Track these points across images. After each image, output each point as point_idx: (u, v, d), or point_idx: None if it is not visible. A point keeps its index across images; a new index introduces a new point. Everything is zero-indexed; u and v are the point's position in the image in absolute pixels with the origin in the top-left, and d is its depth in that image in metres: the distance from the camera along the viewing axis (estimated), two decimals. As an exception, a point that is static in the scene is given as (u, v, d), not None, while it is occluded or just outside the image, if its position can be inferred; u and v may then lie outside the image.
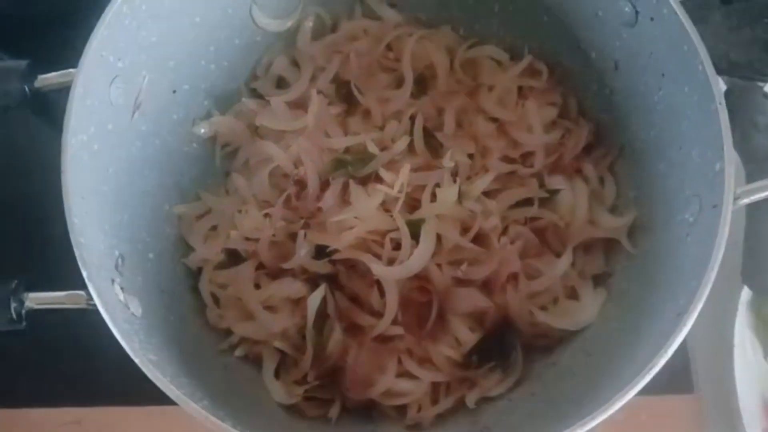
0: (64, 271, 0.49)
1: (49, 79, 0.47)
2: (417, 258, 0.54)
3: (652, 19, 0.49)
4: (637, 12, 0.50)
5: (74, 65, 0.46)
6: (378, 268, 0.54)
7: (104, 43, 0.46)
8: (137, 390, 0.62)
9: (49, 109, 0.47)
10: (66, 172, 0.43)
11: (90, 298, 0.42)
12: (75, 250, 0.41)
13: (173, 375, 0.41)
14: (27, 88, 0.46)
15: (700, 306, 0.41)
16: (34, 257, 0.60)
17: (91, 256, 0.42)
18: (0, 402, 0.64)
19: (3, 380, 0.65)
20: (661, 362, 0.40)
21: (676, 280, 0.47)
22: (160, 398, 0.62)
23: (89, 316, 0.44)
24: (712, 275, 0.41)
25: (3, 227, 0.59)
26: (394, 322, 0.55)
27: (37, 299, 0.43)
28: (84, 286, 0.43)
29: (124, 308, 0.43)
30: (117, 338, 0.40)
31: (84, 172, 0.44)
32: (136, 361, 0.39)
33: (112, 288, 0.43)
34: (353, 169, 0.58)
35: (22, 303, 0.42)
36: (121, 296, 0.44)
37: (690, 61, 0.46)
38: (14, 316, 0.41)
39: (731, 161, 0.44)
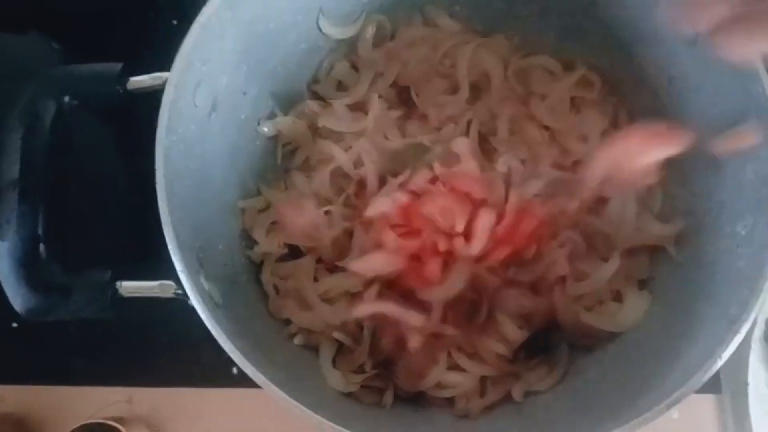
0: (144, 261, 0.53)
1: (141, 81, 0.49)
2: (454, 281, 0.56)
3: (711, 39, 0.51)
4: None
5: (159, 69, 0.50)
6: (422, 292, 0.57)
7: (194, 50, 0.49)
8: (184, 372, 0.67)
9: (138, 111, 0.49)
10: (160, 171, 0.45)
11: (178, 287, 0.45)
12: (169, 244, 0.44)
13: (254, 361, 0.44)
14: (120, 90, 0.48)
15: (753, 315, 0.43)
16: (118, 244, 0.63)
17: (181, 249, 0.44)
18: (55, 379, 0.69)
19: (58, 359, 0.70)
20: (715, 367, 0.42)
21: (723, 289, 0.50)
22: (207, 380, 0.67)
23: (139, 303, 0.48)
24: (765, 286, 0.44)
25: (96, 220, 0.62)
26: (444, 319, 0.58)
27: (129, 288, 0.46)
28: (168, 276, 0.46)
29: (208, 298, 0.46)
30: (209, 328, 0.42)
31: (173, 170, 0.47)
32: (226, 348, 0.42)
33: (199, 279, 0.46)
34: (409, 161, 0.61)
35: (116, 292, 0.45)
36: (206, 286, 0.47)
37: (749, 83, 0.48)
38: (109, 303, 0.44)
39: (786, 180, 0.46)
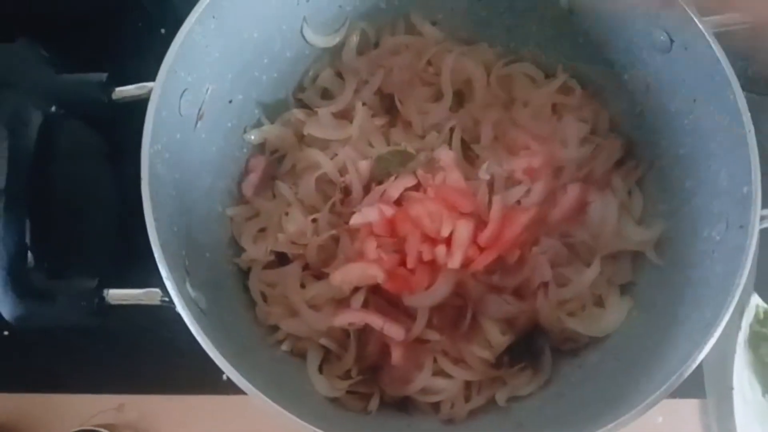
0: (130, 269, 0.54)
1: (126, 91, 0.50)
2: (440, 288, 0.57)
3: (686, 48, 0.52)
4: (672, 41, 0.54)
5: (147, 77, 0.50)
6: (407, 299, 0.57)
7: (177, 60, 0.50)
8: (174, 379, 0.67)
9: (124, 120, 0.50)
10: (144, 179, 0.46)
11: (164, 295, 0.45)
12: (154, 250, 0.44)
13: (241, 367, 0.45)
14: (106, 99, 0.49)
15: (727, 318, 0.44)
16: (104, 252, 0.63)
17: (167, 256, 0.45)
18: (45, 387, 0.69)
19: (48, 367, 0.70)
20: (692, 367, 0.43)
21: (702, 293, 0.51)
22: (196, 388, 0.67)
23: (128, 310, 0.48)
24: (738, 290, 0.45)
25: (82, 227, 0.63)
26: (429, 325, 0.58)
27: (115, 296, 0.46)
28: (153, 280, 0.47)
29: (194, 305, 0.47)
30: (194, 334, 0.43)
31: (158, 179, 0.48)
32: (211, 354, 0.43)
33: (185, 286, 0.47)
34: (393, 168, 0.62)
35: (102, 299, 0.46)
36: (192, 293, 0.47)
37: (722, 90, 0.50)
38: (96, 310, 0.45)
39: (758, 185, 0.47)
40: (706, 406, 0.68)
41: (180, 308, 0.43)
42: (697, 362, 0.43)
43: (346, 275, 0.58)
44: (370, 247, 0.59)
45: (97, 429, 0.62)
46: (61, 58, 0.77)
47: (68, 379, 0.69)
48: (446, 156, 0.61)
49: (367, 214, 0.59)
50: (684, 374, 0.43)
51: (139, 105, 0.49)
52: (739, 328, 0.66)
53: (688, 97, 0.55)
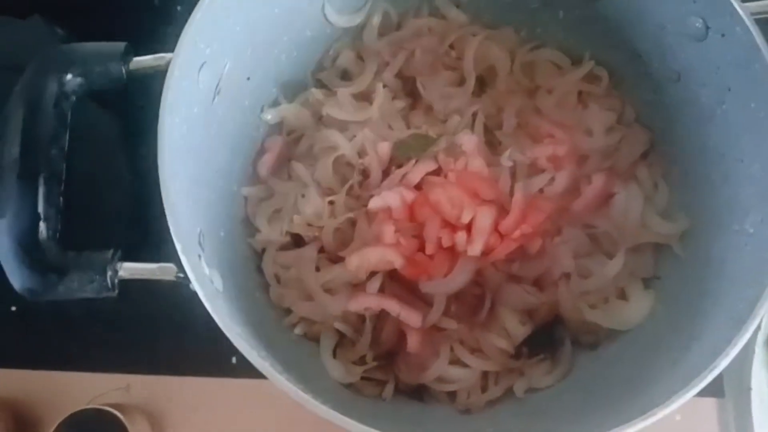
0: (146, 246, 0.53)
1: (143, 62, 0.49)
2: (458, 275, 0.56)
3: (723, 35, 0.51)
4: (708, 27, 0.52)
5: (162, 50, 0.49)
6: (425, 285, 0.56)
7: (198, 31, 0.48)
8: (183, 361, 0.67)
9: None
10: (162, 151, 0.45)
11: (180, 270, 0.44)
12: (170, 225, 0.43)
13: (256, 348, 0.43)
14: (124, 70, 0.48)
15: (761, 314, 0.43)
16: (120, 228, 0.63)
17: (183, 231, 0.44)
18: (53, 364, 0.68)
19: (57, 344, 0.69)
20: (723, 365, 0.42)
21: (730, 287, 0.49)
22: (205, 370, 0.66)
23: (139, 291, 0.47)
24: (774, 284, 0.43)
25: (94, 198, 0.62)
26: (447, 312, 0.57)
27: (130, 269, 0.45)
28: (168, 258, 0.45)
29: (209, 282, 0.46)
30: (209, 311, 0.42)
31: (176, 152, 0.46)
32: (227, 333, 0.41)
33: (200, 263, 0.45)
34: (414, 152, 0.60)
35: (116, 272, 0.45)
36: (207, 271, 0.46)
37: (760, 79, 0.48)
38: (109, 284, 0.44)
39: (795, 177, 0.46)
40: (724, 405, 0.67)
41: (195, 284, 0.42)
42: (730, 358, 0.42)
43: (362, 259, 0.57)
44: (388, 232, 0.57)
45: (103, 408, 0.61)
46: (76, 36, 0.77)
47: (75, 357, 0.68)
48: (469, 141, 0.59)
49: (386, 198, 0.57)
50: (714, 371, 0.41)
51: (157, 80, 0.48)
52: (758, 327, 0.64)
53: (721, 86, 0.53)
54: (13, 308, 0.70)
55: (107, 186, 0.65)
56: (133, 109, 0.55)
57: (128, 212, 0.64)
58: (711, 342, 0.45)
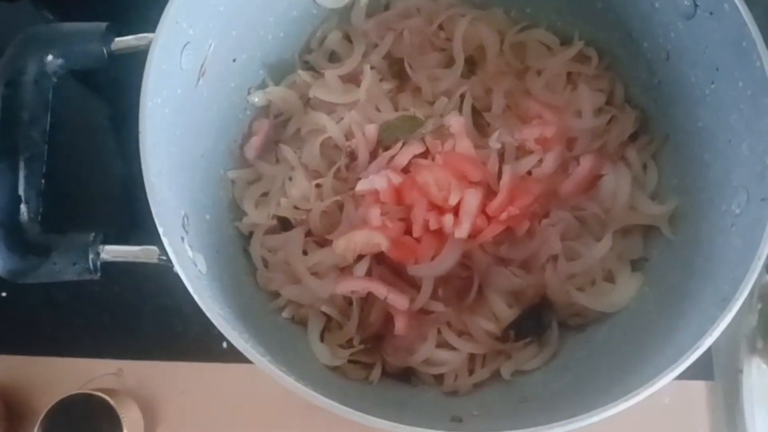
0: (132, 230, 0.52)
1: (125, 42, 0.48)
2: (446, 258, 0.56)
3: (711, 13, 0.50)
4: (696, 5, 0.51)
5: (145, 30, 0.48)
6: (412, 269, 0.56)
7: (180, 10, 0.48)
8: (174, 346, 0.66)
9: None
10: (143, 132, 0.44)
11: (162, 253, 0.44)
12: (152, 207, 0.43)
13: (240, 331, 0.43)
14: (105, 51, 0.47)
15: (746, 293, 0.43)
16: (105, 212, 0.62)
17: (165, 214, 0.44)
18: (43, 350, 0.68)
19: (47, 329, 0.69)
20: (706, 344, 0.41)
21: (718, 268, 0.49)
22: (196, 355, 0.66)
23: (129, 274, 0.46)
24: (759, 264, 0.43)
25: (79, 182, 0.61)
26: (434, 296, 0.57)
27: (112, 252, 0.45)
28: (153, 243, 0.45)
29: (192, 265, 0.45)
30: (191, 293, 0.42)
31: (157, 134, 0.46)
32: (209, 315, 0.41)
33: (183, 245, 0.45)
34: (401, 134, 0.60)
35: (98, 255, 0.44)
36: (190, 253, 0.46)
37: (748, 56, 0.47)
38: (91, 266, 0.44)
39: (782, 156, 0.45)
40: (714, 388, 0.67)
41: (177, 266, 0.42)
42: (714, 337, 0.42)
43: (349, 242, 0.57)
44: (374, 214, 0.57)
45: (94, 393, 0.61)
46: (65, 21, 0.76)
47: (66, 342, 0.68)
48: (456, 122, 0.59)
49: (374, 181, 0.57)
50: (700, 348, 0.41)
51: (140, 62, 0.47)
52: (749, 310, 0.64)
53: (710, 65, 0.53)
54: (3, 294, 0.70)
55: (92, 168, 0.64)
56: (116, 89, 0.54)
57: (115, 195, 0.63)
58: (697, 322, 0.45)
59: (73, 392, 0.61)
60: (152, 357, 0.67)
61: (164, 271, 0.45)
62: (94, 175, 0.66)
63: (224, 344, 0.67)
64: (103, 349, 0.67)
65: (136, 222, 0.59)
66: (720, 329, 0.42)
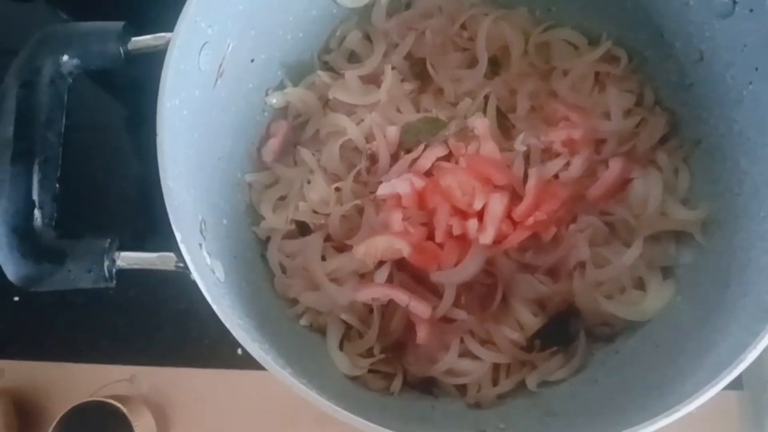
0: (148, 235, 0.51)
1: (142, 41, 0.47)
2: (469, 265, 0.54)
3: (751, 10, 0.48)
4: (735, 3, 0.49)
5: (160, 29, 0.47)
6: (434, 275, 0.54)
7: (199, 9, 0.46)
8: (188, 352, 0.65)
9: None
10: (161, 135, 0.43)
11: (179, 260, 0.42)
12: (169, 212, 0.41)
13: (258, 340, 0.42)
14: (122, 51, 0.46)
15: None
16: (120, 215, 0.61)
17: (183, 219, 0.42)
18: (56, 355, 0.67)
19: (60, 335, 0.68)
20: (750, 358, 0.39)
21: (757, 277, 0.47)
22: (210, 361, 0.65)
23: (144, 279, 0.45)
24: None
25: (93, 185, 0.60)
26: (457, 303, 0.55)
27: (128, 259, 0.44)
28: (169, 247, 0.44)
29: (210, 273, 0.44)
30: (209, 302, 0.40)
31: (175, 136, 0.45)
32: (228, 326, 0.40)
33: (201, 252, 0.44)
34: (423, 136, 0.58)
35: (113, 262, 0.43)
36: (208, 260, 0.44)
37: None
38: (106, 274, 0.42)
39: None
40: (743, 398, 0.64)
41: (195, 274, 0.40)
42: (758, 351, 0.40)
43: (370, 248, 0.55)
44: (396, 219, 0.55)
45: (107, 400, 0.60)
46: (80, 18, 0.75)
47: (79, 347, 0.67)
48: (481, 124, 0.57)
49: (396, 185, 0.55)
50: (743, 363, 0.39)
51: (157, 62, 0.46)
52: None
53: (748, 65, 0.51)
54: (16, 298, 0.69)
55: (107, 172, 0.63)
56: (133, 90, 0.53)
57: (131, 199, 0.62)
58: (737, 335, 0.43)
59: (85, 399, 0.60)
60: (166, 363, 0.66)
61: (178, 276, 0.44)
62: (108, 178, 0.65)
63: (239, 351, 0.65)
64: (117, 355, 0.67)
65: (151, 226, 0.58)
66: (764, 343, 0.39)
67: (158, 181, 0.42)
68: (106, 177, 0.65)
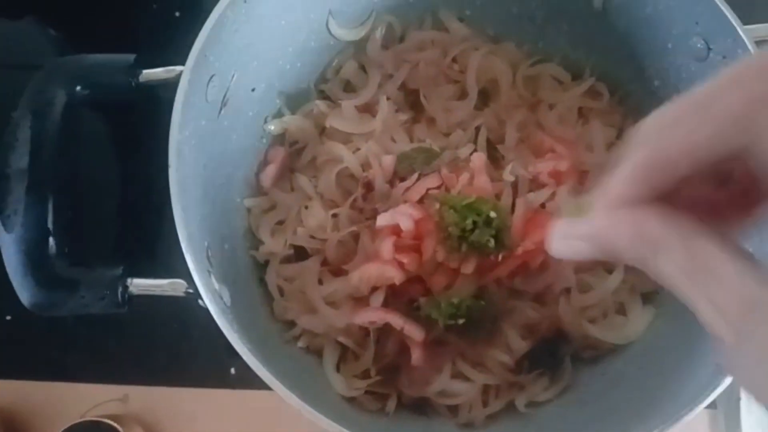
0: (152, 260, 0.52)
1: (153, 74, 0.48)
2: (460, 290, 0.56)
3: (724, 57, 0.52)
4: (709, 49, 0.53)
5: (164, 60, 0.49)
6: (424, 302, 0.56)
7: (208, 44, 0.48)
8: (181, 371, 0.66)
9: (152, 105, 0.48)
10: (173, 165, 0.45)
11: (189, 286, 0.44)
12: (182, 240, 0.43)
13: (266, 365, 0.43)
14: (133, 83, 0.48)
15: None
16: (130, 245, 0.62)
17: (193, 247, 0.44)
18: (47, 374, 0.67)
19: (52, 353, 0.68)
20: (728, 380, 0.42)
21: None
22: (203, 381, 0.66)
23: (140, 300, 0.46)
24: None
25: (107, 215, 0.61)
26: (449, 328, 0.57)
27: (140, 285, 0.45)
28: (176, 275, 0.45)
29: (219, 298, 0.45)
30: (221, 328, 0.42)
31: (185, 166, 0.46)
32: (239, 351, 0.41)
33: (210, 279, 0.45)
34: (417, 165, 0.60)
35: (126, 288, 0.44)
36: (216, 286, 0.46)
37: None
38: (120, 300, 0.43)
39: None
40: (716, 416, 0.68)
41: (207, 300, 0.42)
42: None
43: (363, 275, 0.57)
44: (387, 248, 0.57)
45: (101, 420, 0.60)
46: (70, 38, 0.75)
47: (71, 367, 0.67)
48: (478, 160, 0.59)
49: (396, 218, 0.57)
50: (721, 386, 0.42)
51: (162, 90, 0.48)
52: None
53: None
54: (8, 317, 0.69)
55: (111, 198, 0.64)
56: (137, 117, 0.54)
57: (132, 225, 0.63)
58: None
59: (79, 419, 0.61)
60: (159, 382, 0.67)
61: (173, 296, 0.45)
62: (114, 204, 0.66)
63: (232, 370, 0.66)
64: (109, 374, 0.67)
65: (157, 251, 0.59)
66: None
67: (161, 208, 0.44)
68: (112, 203, 0.66)
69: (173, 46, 0.49)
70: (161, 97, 0.47)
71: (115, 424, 0.59)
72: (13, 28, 0.79)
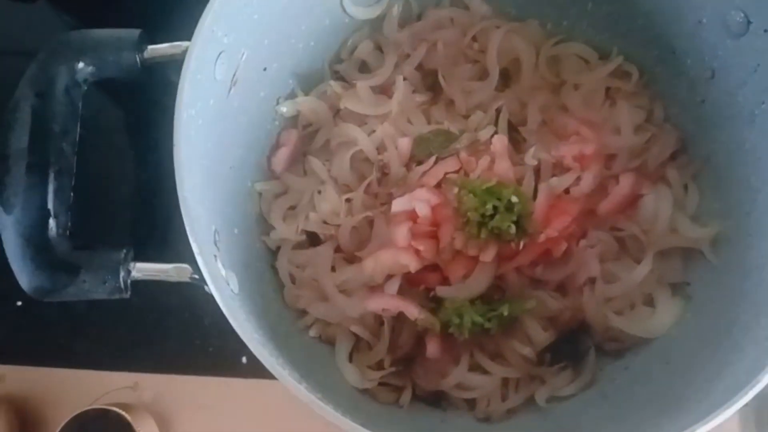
0: (156, 243, 0.50)
1: (159, 50, 0.47)
2: (478, 280, 0.54)
3: (765, 30, 0.48)
4: (749, 22, 0.49)
5: (172, 35, 0.47)
6: (442, 290, 0.54)
7: (216, 19, 0.46)
8: (192, 359, 0.65)
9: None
10: (178, 145, 0.43)
11: (194, 271, 0.42)
12: (186, 224, 0.41)
13: (275, 355, 0.41)
14: (138, 59, 0.46)
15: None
16: (136, 228, 0.60)
17: (198, 231, 0.42)
18: (58, 361, 0.66)
19: (62, 340, 0.67)
20: (764, 381, 0.39)
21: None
22: (214, 369, 0.64)
23: (148, 286, 0.45)
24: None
25: (110, 198, 0.59)
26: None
27: (143, 270, 0.43)
28: (185, 260, 0.43)
29: (225, 285, 0.44)
30: (226, 315, 0.40)
31: (191, 147, 0.44)
32: (245, 339, 0.39)
33: (216, 263, 0.43)
34: (435, 148, 0.58)
35: (129, 273, 0.42)
36: (223, 272, 0.44)
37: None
38: (122, 285, 0.42)
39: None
40: (745, 412, 0.65)
41: (211, 286, 0.40)
42: (776, 373, 0.40)
43: (377, 262, 0.55)
44: (402, 234, 0.55)
45: (110, 408, 0.59)
46: (83, 23, 0.74)
47: (82, 354, 0.67)
48: (499, 143, 0.57)
49: (413, 204, 0.55)
50: (760, 384, 0.39)
51: (169, 70, 0.46)
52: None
53: (761, 85, 0.51)
54: (19, 303, 0.68)
55: (122, 181, 0.62)
56: (143, 97, 0.52)
57: (138, 208, 0.62)
58: (753, 356, 0.43)
59: (88, 407, 0.60)
60: (169, 370, 0.66)
61: (182, 283, 0.43)
62: (118, 187, 0.64)
63: (243, 359, 0.65)
64: (120, 362, 0.66)
65: (160, 235, 0.57)
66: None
67: (167, 190, 0.42)
68: (114, 185, 0.64)
69: (181, 21, 0.47)
70: (170, 77, 0.45)
71: (122, 412, 0.58)
72: (25, 12, 0.78)
